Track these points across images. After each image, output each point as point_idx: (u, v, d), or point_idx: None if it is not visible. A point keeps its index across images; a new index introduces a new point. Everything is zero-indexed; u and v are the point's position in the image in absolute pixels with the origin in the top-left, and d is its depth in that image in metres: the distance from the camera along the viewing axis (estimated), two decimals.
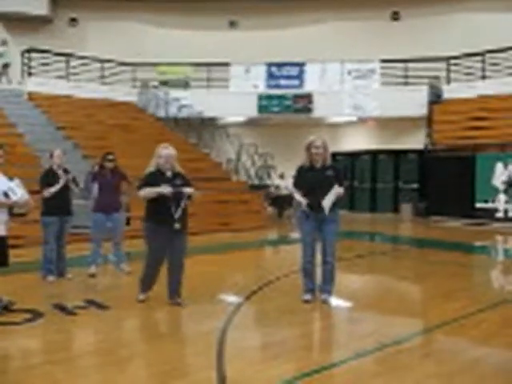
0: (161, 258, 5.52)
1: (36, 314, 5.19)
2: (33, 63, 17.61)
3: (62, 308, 5.46)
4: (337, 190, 5.60)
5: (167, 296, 5.61)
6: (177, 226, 5.39)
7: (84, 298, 5.90)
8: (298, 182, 5.76)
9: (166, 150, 5.51)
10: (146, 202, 5.50)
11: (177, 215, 5.39)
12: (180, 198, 5.42)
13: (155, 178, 5.42)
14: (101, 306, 5.58)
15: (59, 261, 6.95)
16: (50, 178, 6.85)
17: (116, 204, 7.35)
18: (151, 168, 5.53)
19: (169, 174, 5.51)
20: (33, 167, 10.41)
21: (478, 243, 11.92)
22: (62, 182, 6.83)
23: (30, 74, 17.47)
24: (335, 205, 5.64)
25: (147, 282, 5.68)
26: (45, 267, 6.87)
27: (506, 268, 9.21)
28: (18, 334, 4.70)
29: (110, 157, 7.38)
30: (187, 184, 5.56)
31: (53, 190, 6.74)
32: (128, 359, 4.16)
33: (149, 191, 5.35)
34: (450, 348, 4.40)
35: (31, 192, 5.54)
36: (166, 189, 5.32)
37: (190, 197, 5.52)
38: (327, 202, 5.53)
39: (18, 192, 5.05)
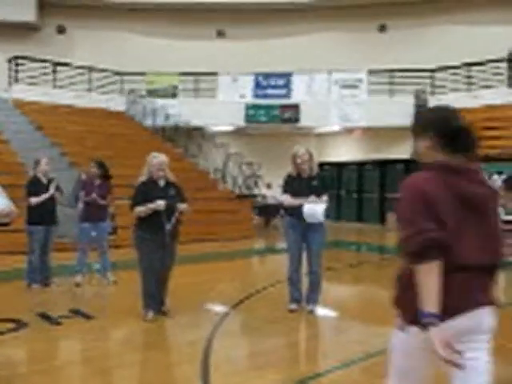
0: (155, 268, 5.33)
1: (20, 324, 5.14)
2: (19, 70, 17.53)
3: (46, 317, 5.41)
4: (323, 200, 5.66)
5: None
6: (167, 238, 5.33)
7: (69, 307, 5.85)
8: (286, 190, 5.78)
9: (158, 158, 5.40)
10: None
11: (167, 228, 5.33)
12: (172, 211, 5.35)
13: (148, 189, 5.30)
14: (86, 316, 5.53)
15: (44, 269, 6.89)
16: (35, 186, 6.81)
17: (102, 213, 7.29)
18: (143, 177, 5.42)
19: (162, 183, 5.41)
20: (18, 174, 10.33)
21: None
22: (51, 192, 6.79)
23: (16, 81, 17.38)
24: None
25: (151, 299, 5.40)
26: (29, 276, 6.81)
27: None
28: (2, 343, 4.64)
29: (94, 164, 7.32)
30: (180, 194, 5.50)
31: (41, 199, 6.70)
32: (113, 369, 4.13)
33: (142, 211, 5.22)
34: None
35: (16, 200, 5.49)
36: (160, 205, 5.22)
37: (181, 211, 5.49)
38: (316, 208, 5.55)
39: (1, 201, 4.98)
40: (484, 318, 2.10)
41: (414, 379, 2.21)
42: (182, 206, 5.43)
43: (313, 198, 5.59)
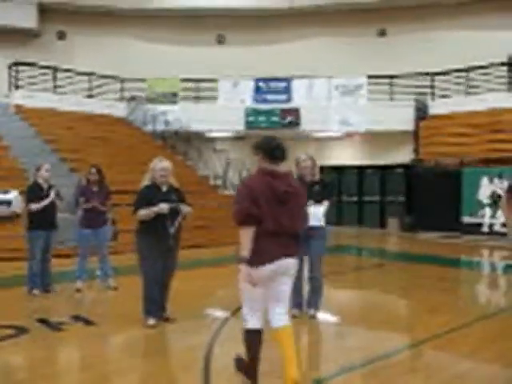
0: (157, 273, 5.30)
1: (20, 330, 5.13)
2: (20, 76, 17.55)
3: (47, 323, 5.40)
4: (324, 205, 5.67)
5: None
6: (171, 242, 5.33)
7: (70, 313, 5.84)
8: None
9: (161, 164, 5.39)
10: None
11: (171, 231, 5.32)
12: (175, 214, 5.34)
13: (151, 194, 5.29)
14: (86, 322, 5.52)
15: (44, 275, 6.88)
16: (35, 192, 6.80)
17: (102, 219, 7.28)
18: (146, 182, 5.41)
19: (164, 188, 5.41)
20: (19, 180, 10.33)
21: (463, 257, 11.99)
22: (51, 197, 6.79)
23: (17, 87, 17.41)
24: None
25: (153, 304, 5.38)
26: (30, 282, 6.80)
27: (491, 282, 9.27)
28: (2, 350, 4.63)
29: (94, 170, 7.31)
30: (182, 199, 5.50)
31: (41, 205, 6.69)
32: (114, 375, 4.12)
33: (146, 214, 5.21)
34: (437, 362, 4.41)
35: None
36: (163, 208, 5.21)
37: (185, 215, 5.47)
38: (315, 211, 5.56)
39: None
40: (289, 263, 3.54)
41: (257, 301, 3.58)
42: (186, 209, 5.42)
43: (311, 203, 5.60)
